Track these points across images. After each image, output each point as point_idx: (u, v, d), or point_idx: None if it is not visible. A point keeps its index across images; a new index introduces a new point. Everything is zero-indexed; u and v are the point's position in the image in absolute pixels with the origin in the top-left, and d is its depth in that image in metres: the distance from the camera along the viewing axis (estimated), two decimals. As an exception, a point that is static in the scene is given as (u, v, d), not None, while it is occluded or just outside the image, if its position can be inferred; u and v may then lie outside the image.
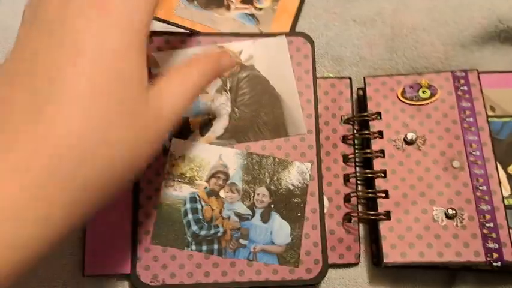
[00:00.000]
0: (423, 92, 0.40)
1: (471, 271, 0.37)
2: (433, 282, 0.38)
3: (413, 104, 0.39)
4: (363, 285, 0.38)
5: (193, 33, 0.40)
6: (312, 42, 0.40)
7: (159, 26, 0.42)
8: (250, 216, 0.36)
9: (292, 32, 0.43)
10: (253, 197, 0.37)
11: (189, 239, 0.35)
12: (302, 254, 0.36)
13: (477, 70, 0.40)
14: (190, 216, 0.36)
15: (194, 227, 0.35)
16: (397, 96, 0.40)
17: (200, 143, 0.37)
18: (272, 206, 0.37)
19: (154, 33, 0.39)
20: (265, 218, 0.36)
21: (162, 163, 0.37)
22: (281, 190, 0.37)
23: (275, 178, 0.37)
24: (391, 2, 0.44)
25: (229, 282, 0.35)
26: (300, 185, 0.37)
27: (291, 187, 0.37)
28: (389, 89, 0.40)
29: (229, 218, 0.36)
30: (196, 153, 0.37)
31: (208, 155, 0.37)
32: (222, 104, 0.38)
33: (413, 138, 0.38)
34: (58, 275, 0.36)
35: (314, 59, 0.40)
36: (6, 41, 0.42)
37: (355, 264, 0.38)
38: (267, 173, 0.37)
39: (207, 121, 0.38)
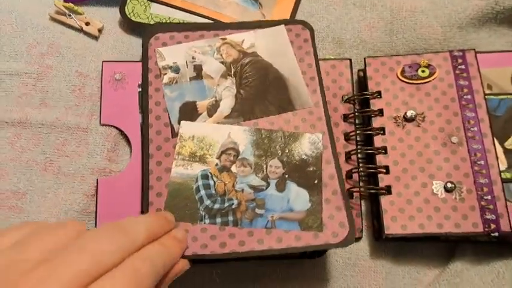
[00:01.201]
0: (422, 71, 0.41)
1: (470, 243, 0.39)
2: (433, 255, 0.39)
3: (412, 83, 0.41)
4: (365, 258, 0.39)
5: (196, 28, 0.41)
6: (310, 29, 0.41)
7: (163, 11, 0.44)
8: (264, 187, 0.36)
9: (291, 19, 0.44)
10: (266, 169, 0.37)
11: (202, 213, 0.35)
12: (325, 218, 0.35)
13: (474, 50, 0.41)
14: (202, 192, 0.36)
15: (207, 202, 0.35)
16: (397, 76, 0.41)
17: (208, 124, 0.38)
18: (287, 176, 0.36)
19: (159, 30, 0.41)
20: (281, 187, 0.36)
21: (171, 145, 0.37)
22: (294, 161, 0.37)
23: (287, 150, 0.37)
24: (390, -14, 0.45)
25: (247, 251, 0.34)
26: (313, 154, 0.37)
27: (305, 157, 0.37)
28: (388, 69, 0.41)
29: (242, 190, 0.36)
30: (205, 133, 0.38)
31: (217, 134, 0.38)
32: (227, 87, 0.39)
33: (413, 115, 0.39)
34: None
35: (314, 43, 0.41)
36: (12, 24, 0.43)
37: (358, 239, 0.39)
38: (278, 146, 0.37)
39: (213, 103, 0.39)
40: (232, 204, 0.35)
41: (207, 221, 0.35)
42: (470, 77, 0.40)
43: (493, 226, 0.36)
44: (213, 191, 0.36)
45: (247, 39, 0.41)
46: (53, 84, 0.41)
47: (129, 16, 0.44)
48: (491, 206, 0.36)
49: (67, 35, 0.44)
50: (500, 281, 0.38)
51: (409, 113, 0.39)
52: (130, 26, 0.44)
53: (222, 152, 0.37)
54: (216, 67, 0.40)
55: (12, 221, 0.38)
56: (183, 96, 0.39)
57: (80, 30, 0.44)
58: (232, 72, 0.40)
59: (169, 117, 0.38)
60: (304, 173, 0.36)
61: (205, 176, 0.36)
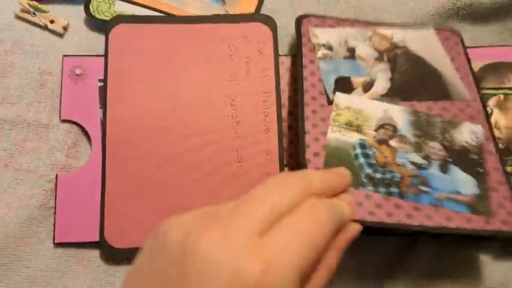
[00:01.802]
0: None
1: (432, 237, 0.39)
2: (394, 248, 0.39)
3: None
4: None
5: (346, 20, 0.42)
6: (458, 36, 0.42)
7: (126, 8, 0.44)
8: (427, 166, 0.36)
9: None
10: (427, 150, 0.36)
11: (364, 180, 0.35)
12: (494, 205, 0.35)
13: (434, 46, 0.42)
14: (362, 160, 0.35)
15: (368, 170, 0.35)
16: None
17: (364, 98, 0.38)
18: (449, 159, 0.36)
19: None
20: (444, 169, 0.36)
21: (327, 111, 0.37)
22: (455, 147, 0.36)
23: (446, 135, 0.37)
24: (354, -17, 0.46)
25: (417, 224, 0.33)
26: (474, 143, 0.37)
27: (466, 144, 0.37)
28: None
29: (404, 165, 0.36)
30: (361, 106, 0.37)
31: (373, 109, 0.37)
32: (382, 69, 0.39)
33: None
34: (29, 244, 0.38)
35: (464, 46, 0.42)
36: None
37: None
38: (437, 130, 0.37)
39: (368, 81, 0.39)
40: (395, 176, 0.35)
41: (370, 188, 0.34)
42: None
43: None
44: (373, 161, 0.35)
45: (396, 35, 0.41)
46: (15, 81, 0.42)
47: (93, 14, 0.44)
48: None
49: (31, 32, 0.44)
50: (461, 273, 0.38)
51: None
52: (95, 24, 0.45)
53: (380, 126, 0.37)
54: (369, 51, 0.40)
55: (-29, 216, 0.38)
56: (337, 70, 0.39)
57: (45, 28, 0.44)
58: (386, 59, 0.40)
59: (324, 86, 0.38)
60: (467, 160, 0.36)
61: (363, 146, 0.36)
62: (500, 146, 0.39)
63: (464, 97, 0.39)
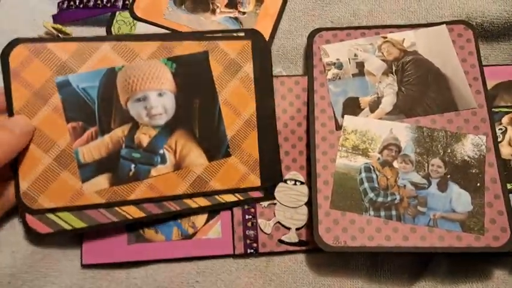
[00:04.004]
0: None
1: (444, 254, 0.39)
2: (409, 266, 0.40)
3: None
4: (342, 269, 0.40)
5: (358, 27, 0.43)
6: (473, 29, 0.42)
7: (148, 30, 0.46)
8: (426, 186, 0.37)
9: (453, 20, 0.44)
10: (428, 167, 0.38)
11: (367, 205, 0.37)
12: (486, 222, 0.36)
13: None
14: (366, 184, 0.38)
15: (371, 194, 0.37)
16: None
17: (371, 119, 0.40)
18: (448, 176, 0.37)
19: (322, 29, 0.44)
20: (442, 187, 0.37)
21: (335, 137, 0.39)
22: (456, 161, 0.38)
23: (449, 150, 0.38)
24: (367, 4, 0.47)
25: (411, 246, 0.35)
26: (476, 156, 0.37)
27: (467, 158, 0.38)
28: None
29: (404, 186, 0.37)
30: (367, 128, 0.39)
31: (379, 129, 0.39)
32: (389, 84, 0.41)
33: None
34: (55, 263, 0.39)
35: (477, 43, 0.42)
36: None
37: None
38: (439, 145, 0.38)
39: (375, 99, 0.40)
40: (395, 199, 0.37)
41: (372, 213, 0.37)
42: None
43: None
44: (376, 184, 0.38)
45: (407, 38, 0.42)
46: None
47: (115, 36, 0.45)
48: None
49: (56, 54, 0.45)
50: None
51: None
52: (116, 45, 0.46)
53: (384, 147, 0.39)
54: (377, 65, 0.42)
55: None
56: (346, 91, 0.41)
57: (68, 49, 0.45)
58: (394, 70, 0.41)
59: (333, 111, 0.40)
60: (466, 175, 0.37)
61: (368, 169, 0.38)
62: (513, 164, 0.39)
63: (471, 104, 0.39)
